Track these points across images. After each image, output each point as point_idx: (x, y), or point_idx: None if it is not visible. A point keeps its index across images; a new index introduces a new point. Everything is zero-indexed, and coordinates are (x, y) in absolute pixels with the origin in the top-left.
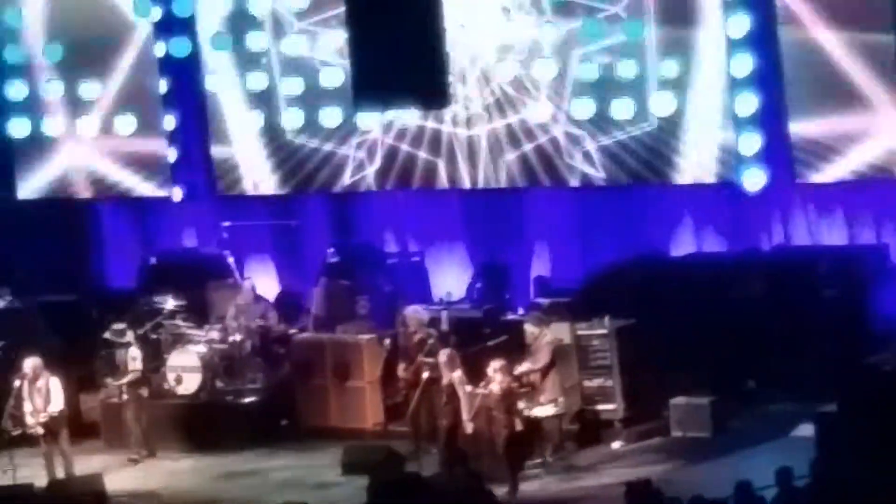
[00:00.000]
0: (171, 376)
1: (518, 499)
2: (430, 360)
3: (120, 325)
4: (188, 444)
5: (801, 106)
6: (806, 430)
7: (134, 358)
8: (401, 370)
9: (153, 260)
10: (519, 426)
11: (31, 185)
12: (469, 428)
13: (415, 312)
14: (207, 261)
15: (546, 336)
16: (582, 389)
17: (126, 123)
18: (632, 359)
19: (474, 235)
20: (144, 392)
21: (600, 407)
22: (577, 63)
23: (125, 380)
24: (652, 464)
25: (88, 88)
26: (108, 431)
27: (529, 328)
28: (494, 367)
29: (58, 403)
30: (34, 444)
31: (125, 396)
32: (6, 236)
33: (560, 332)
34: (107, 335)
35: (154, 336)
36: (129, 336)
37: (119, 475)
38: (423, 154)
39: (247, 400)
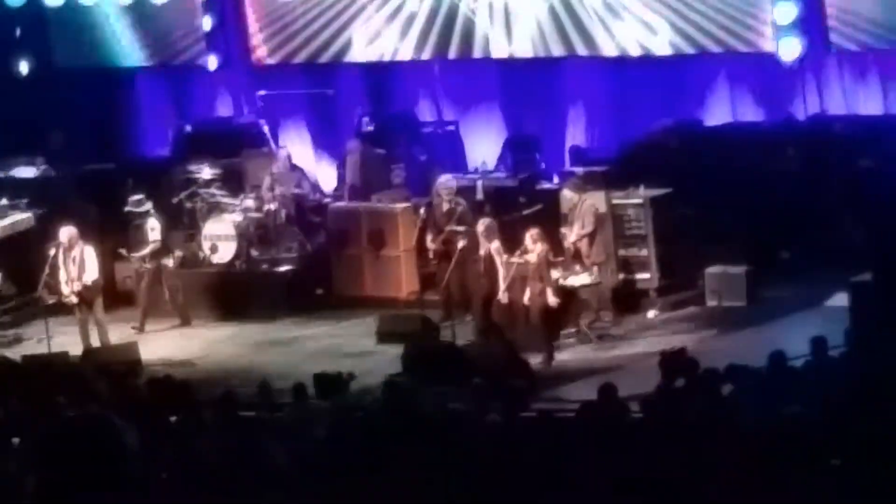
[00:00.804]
0: (206, 245)
1: (552, 368)
2: (459, 228)
3: (138, 196)
4: (223, 313)
5: None
6: (840, 299)
7: (153, 228)
8: (429, 240)
9: (188, 129)
10: (553, 295)
11: (66, 54)
12: (505, 297)
13: (445, 181)
14: (242, 129)
15: (586, 201)
16: (617, 258)
17: None
18: (667, 228)
19: (509, 104)
20: (169, 262)
21: (635, 276)
22: None
23: (146, 251)
24: (686, 333)
25: None
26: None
27: (568, 194)
28: (531, 235)
29: (92, 272)
30: (69, 313)
31: (147, 266)
32: (41, 105)
33: (595, 201)
34: (127, 207)
35: (189, 205)
36: (148, 206)
37: (154, 343)
38: (460, 22)
39: (282, 269)
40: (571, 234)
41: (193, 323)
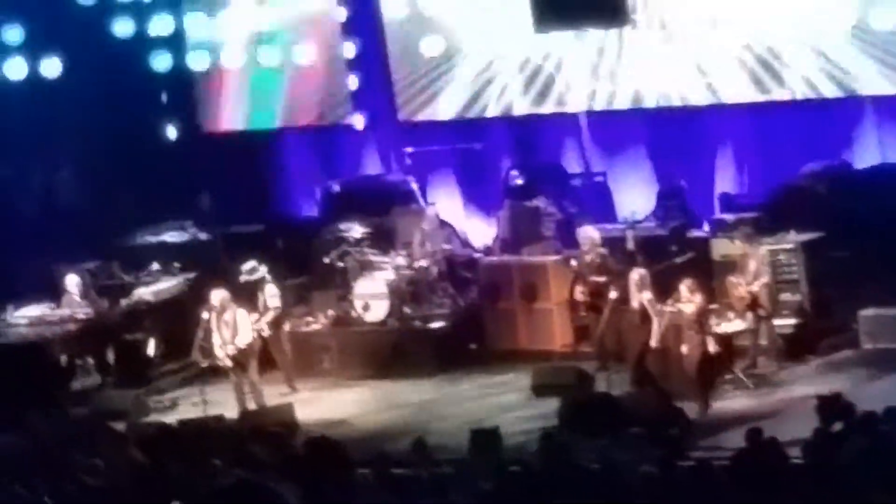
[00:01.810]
0: (358, 304)
1: (709, 416)
2: (601, 279)
3: (251, 265)
4: (377, 372)
5: None
6: None
7: (273, 295)
8: (577, 292)
9: (336, 188)
10: (711, 345)
11: (212, 118)
12: (659, 346)
13: (585, 232)
14: (391, 187)
15: (759, 250)
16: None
17: (305, 52)
18: (819, 272)
19: (657, 153)
20: (286, 326)
21: (789, 322)
22: None
23: (266, 318)
24: (842, 376)
25: (266, 18)
26: (297, 360)
27: (738, 244)
28: (686, 285)
29: (246, 335)
30: (224, 376)
31: (267, 333)
32: (189, 169)
33: (759, 250)
34: (242, 277)
35: (340, 264)
36: (262, 272)
37: (309, 405)
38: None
39: (435, 325)
40: (753, 283)
41: (349, 383)
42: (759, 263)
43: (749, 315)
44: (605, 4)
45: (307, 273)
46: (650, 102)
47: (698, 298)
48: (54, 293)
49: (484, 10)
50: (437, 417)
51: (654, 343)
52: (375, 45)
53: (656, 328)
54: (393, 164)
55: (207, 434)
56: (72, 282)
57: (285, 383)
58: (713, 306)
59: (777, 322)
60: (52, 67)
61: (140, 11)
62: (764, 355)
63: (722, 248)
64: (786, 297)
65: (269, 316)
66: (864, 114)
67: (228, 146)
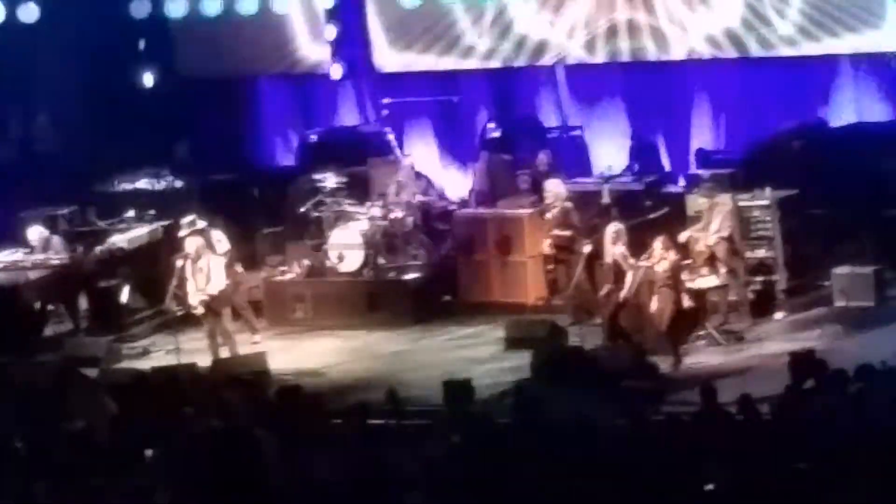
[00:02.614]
0: (332, 254)
1: (681, 371)
2: (564, 233)
3: (189, 218)
4: (351, 322)
5: None
6: None
7: (219, 240)
8: (544, 246)
9: (313, 138)
10: (684, 299)
11: (189, 64)
12: (632, 301)
13: (552, 186)
14: (368, 138)
15: (720, 205)
16: (745, 261)
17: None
18: (794, 229)
19: (634, 108)
20: (262, 274)
21: (763, 278)
22: None
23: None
24: (815, 333)
25: None
26: (271, 310)
27: (700, 199)
28: (660, 241)
29: (219, 282)
30: (198, 324)
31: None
32: (165, 117)
33: (725, 204)
34: (181, 232)
35: (315, 214)
36: (202, 224)
37: (282, 353)
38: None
39: (409, 276)
40: (709, 237)
41: (322, 332)
42: (721, 218)
43: (723, 271)
44: None
45: (282, 222)
46: (627, 56)
47: (672, 254)
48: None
49: None
50: (410, 368)
51: (626, 297)
52: None
53: (629, 283)
54: (370, 115)
55: (180, 382)
56: (34, 234)
57: (247, 329)
58: (686, 262)
59: (752, 278)
60: (29, 13)
61: None
62: (735, 311)
63: (696, 203)
64: (760, 253)
65: (224, 261)
66: (842, 71)
67: (205, 94)
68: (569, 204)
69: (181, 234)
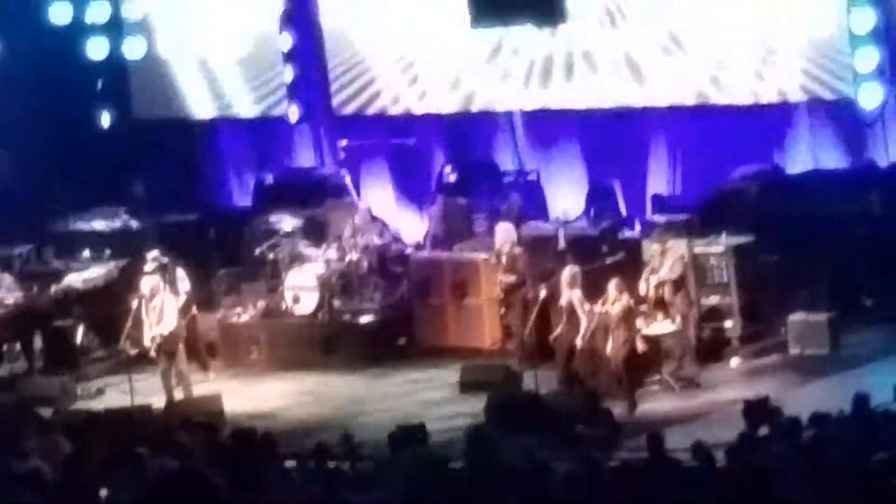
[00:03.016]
0: (288, 296)
1: (635, 417)
2: (510, 279)
3: (154, 253)
4: (306, 364)
5: None
6: None
7: (182, 278)
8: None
9: (269, 179)
10: (638, 344)
11: (146, 106)
12: (587, 346)
13: (503, 230)
14: (324, 180)
15: (671, 250)
16: (699, 307)
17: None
18: (749, 276)
19: (590, 153)
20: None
21: (717, 324)
22: None
23: (181, 302)
24: (770, 381)
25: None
26: (226, 351)
27: (654, 245)
28: (614, 285)
29: (170, 322)
30: (152, 365)
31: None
32: (122, 157)
33: (678, 249)
34: (146, 266)
35: (271, 255)
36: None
37: (236, 395)
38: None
39: (364, 319)
40: (653, 279)
41: (277, 374)
42: (672, 262)
43: (678, 317)
44: (541, 1)
45: (238, 264)
46: (584, 103)
47: (625, 298)
48: None
49: (421, 4)
50: (364, 412)
51: (581, 342)
52: (312, 38)
53: (584, 327)
54: (326, 157)
55: (134, 423)
56: None
57: (199, 368)
58: (642, 307)
59: (706, 325)
60: None
61: None
62: (689, 358)
63: (651, 249)
64: (715, 299)
65: (184, 300)
66: (798, 119)
67: (162, 134)
68: (518, 249)
69: (146, 268)
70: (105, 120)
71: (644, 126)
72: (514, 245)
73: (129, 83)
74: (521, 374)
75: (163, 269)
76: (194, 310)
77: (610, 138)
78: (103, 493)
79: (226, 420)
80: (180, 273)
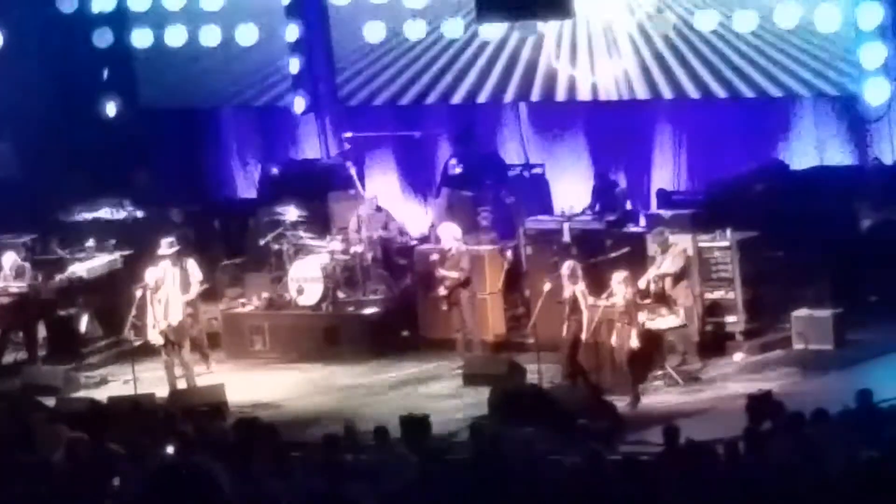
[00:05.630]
0: (292, 287)
1: (638, 411)
2: (451, 274)
3: (169, 239)
4: (309, 355)
5: None
6: None
7: (195, 267)
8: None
9: (275, 171)
10: (641, 338)
11: (152, 95)
12: (591, 340)
13: (447, 229)
14: (329, 171)
15: (673, 245)
16: (703, 302)
17: (248, 34)
18: (754, 271)
19: (596, 147)
20: (221, 306)
21: (722, 319)
22: None
23: (193, 293)
24: (773, 376)
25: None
26: (230, 341)
27: (658, 239)
28: (618, 278)
29: (177, 313)
30: (156, 355)
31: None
32: (127, 146)
33: (682, 244)
34: (160, 251)
35: (275, 247)
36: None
37: (240, 385)
38: (543, 64)
39: (368, 311)
40: (652, 272)
41: (280, 365)
42: (673, 257)
43: (681, 311)
44: None
45: (242, 254)
46: (590, 95)
47: (627, 291)
48: None
49: None
50: (368, 403)
51: (585, 336)
52: (318, 29)
53: (587, 321)
54: (332, 148)
55: (138, 412)
56: (8, 260)
57: (200, 360)
58: (646, 301)
59: (710, 319)
60: None
61: None
62: (693, 353)
63: (656, 243)
64: (719, 294)
65: (199, 289)
66: (803, 114)
67: (167, 124)
68: (463, 246)
69: (159, 252)
70: (111, 109)
71: (650, 120)
72: (460, 243)
73: (135, 73)
74: (525, 367)
75: (175, 257)
76: (221, 306)
77: (615, 133)
78: (116, 482)
79: (229, 410)
80: (191, 263)
